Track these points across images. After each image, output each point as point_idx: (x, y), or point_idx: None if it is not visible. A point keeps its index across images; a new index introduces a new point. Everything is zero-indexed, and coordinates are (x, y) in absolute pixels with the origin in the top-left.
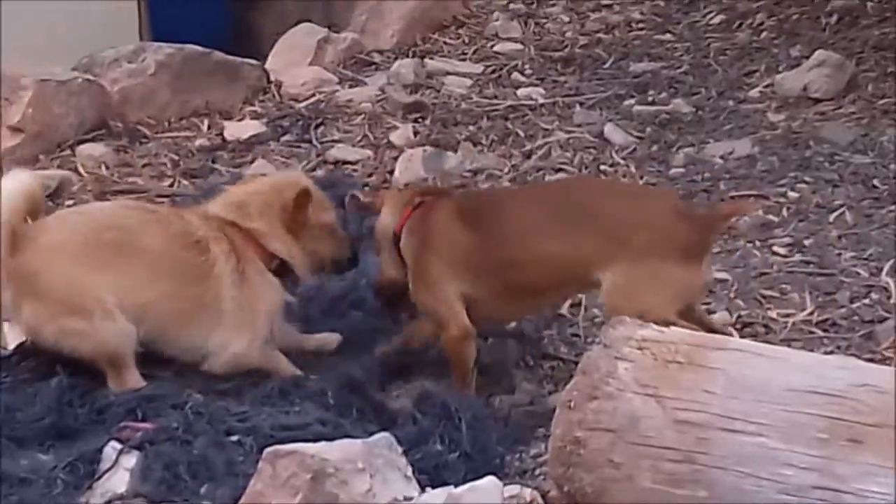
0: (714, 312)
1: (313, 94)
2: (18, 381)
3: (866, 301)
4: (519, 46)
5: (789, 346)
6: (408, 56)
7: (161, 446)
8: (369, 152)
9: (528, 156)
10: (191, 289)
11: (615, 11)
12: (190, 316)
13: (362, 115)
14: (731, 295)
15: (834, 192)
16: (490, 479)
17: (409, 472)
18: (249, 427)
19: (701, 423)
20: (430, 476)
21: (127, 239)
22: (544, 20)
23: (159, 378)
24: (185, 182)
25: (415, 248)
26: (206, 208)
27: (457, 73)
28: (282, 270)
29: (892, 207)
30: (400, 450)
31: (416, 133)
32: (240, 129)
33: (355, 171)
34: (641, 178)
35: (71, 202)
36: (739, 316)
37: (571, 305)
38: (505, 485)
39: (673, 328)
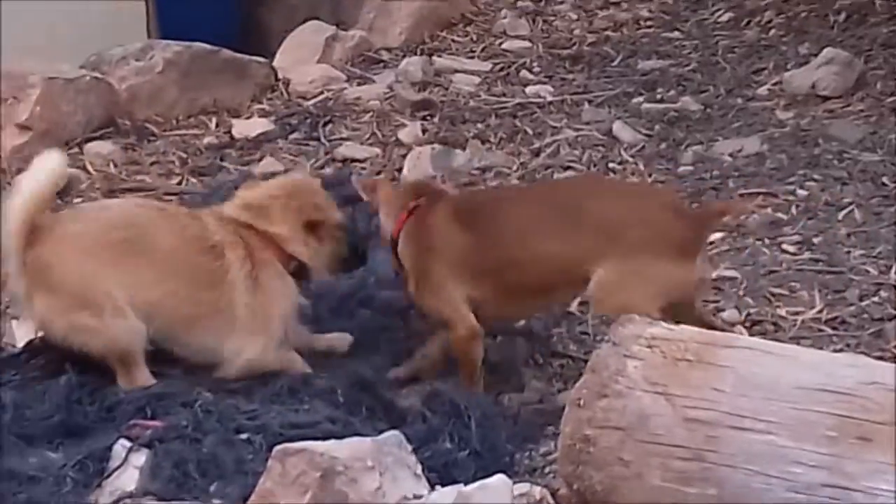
0: (723, 310)
1: (321, 92)
2: (27, 379)
3: (875, 299)
4: (527, 44)
5: (798, 343)
6: (416, 54)
7: (170, 444)
8: (377, 150)
9: (536, 154)
10: (204, 293)
11: (623, 9)
12: (202, 320)
13: (370, 113)
14: (740, 293)
15: (843, 190)
16: (500, 478)
17: (419, 470)
18: (259, 425)
19: (710, 421)
20: (439, 474)
21: (142, 238)
22: (552, 18)
23: (169, 376)
24: (194, 180)
25: (414, 253)
26: (221, 210)
27: (465, 71)
28: (299, 272)
29: None
30: (409, 448)
31: (424, 131)
32: (248, 127)
33: (364, 168)
34: (650, 175)
35: (79, 200)
36: (748, 314)
37: (581, 303)
38: (514, 483)
39: (682, 326)
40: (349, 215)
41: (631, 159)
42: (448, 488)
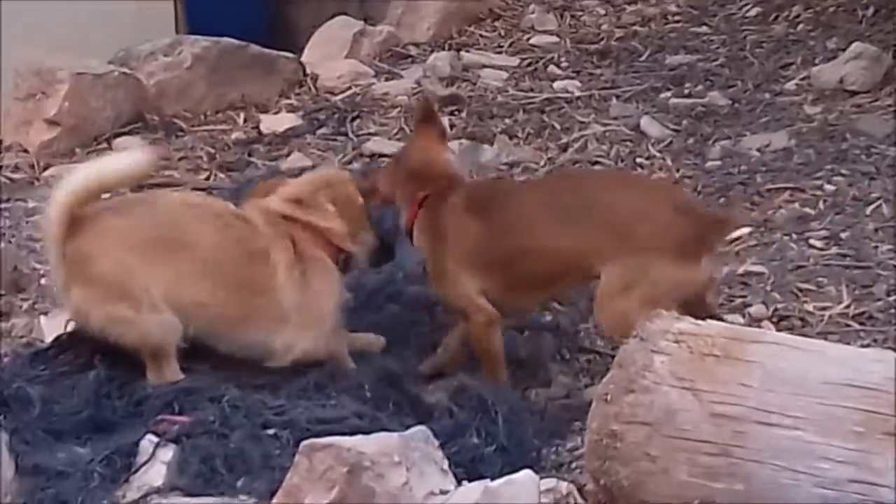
0: (750, 305)
1: (349, 87)
2: (56, 374)
3: None
4: (555, 39)
5: (826, 339)
6: (444, 49)
7: (198, 440)
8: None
9: (564, 149)
10: (251, 296)
11: (651, 4)
12: (250, 319)
13: (398, 108)
14: (768, 288)
15: (870, 185)
16: (526, 473)
17: (446, 465)
18: (286, 420)
19: (737, 417)
20: (466, 469)
21: (185, 235)
22: (580, 13)
23: (196, 371)
24: (222, 175)
25: (428, 244)
26: (268, 204)
27: (493, 66)
28: (345, 266)
29: None
30: (436, 443)
31: (452, 126)
32: (276, 123)
33: None
34: (678, 170)
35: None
36: (776, 309)
37: None
38: (541, 478)
39: (710, 321)
40: (375, 210)
41: (658, 154)
42: (475, 484)
